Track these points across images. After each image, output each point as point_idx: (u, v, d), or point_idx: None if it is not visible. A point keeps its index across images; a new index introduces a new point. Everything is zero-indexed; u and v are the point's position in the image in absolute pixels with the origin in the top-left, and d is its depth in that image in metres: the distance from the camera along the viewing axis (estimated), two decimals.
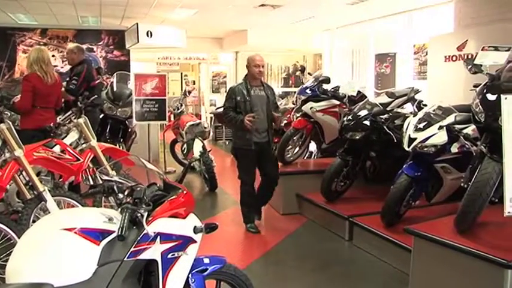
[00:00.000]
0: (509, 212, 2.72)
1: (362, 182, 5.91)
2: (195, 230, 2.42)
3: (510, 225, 3.93)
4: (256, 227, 5.55)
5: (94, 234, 2.09)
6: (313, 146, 7.44)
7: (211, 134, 13.13)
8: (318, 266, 4.57)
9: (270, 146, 5.49)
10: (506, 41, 6.58)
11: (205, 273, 2.52)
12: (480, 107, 3.75)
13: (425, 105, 5.17)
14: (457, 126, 4.30)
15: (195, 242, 2.43)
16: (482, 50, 3.97)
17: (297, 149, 6.76)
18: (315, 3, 9.04)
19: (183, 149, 8.11)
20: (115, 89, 8.08)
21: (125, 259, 2.12)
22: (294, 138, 6.59)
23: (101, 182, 2.43)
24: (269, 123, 5.38)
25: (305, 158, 7.39)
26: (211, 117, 13.71)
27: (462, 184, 3.94)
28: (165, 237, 2.28)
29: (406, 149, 4.49)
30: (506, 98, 2.70)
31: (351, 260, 4.81)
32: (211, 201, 7.14)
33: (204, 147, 7.56)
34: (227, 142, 13.03)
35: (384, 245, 4.62)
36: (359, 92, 6.65)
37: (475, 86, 4.03)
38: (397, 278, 4.25)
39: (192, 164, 7.85)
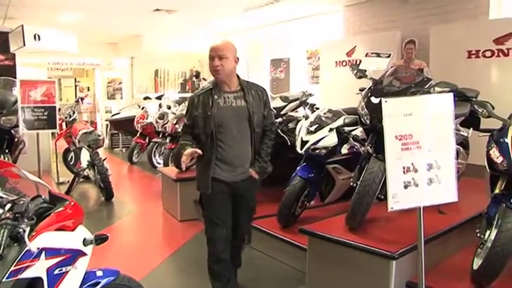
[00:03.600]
0: (392, 208, 2.88)
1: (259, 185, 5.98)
2: (85, 242, 2.31)
3: (395, 220, 4.20)
4: None
5: None
6: None
7: (106, 141, 12.71)
8: None
9: (251, 188, 3.65)
10: (388, 47, 7.08)
11: (98, 286, 2.42)
12: (365, 109, 3.98)
13: (318, 108, 5.38)
14: (346, 128, 4.51)
15: (85, 254, 2.31)
16: (366, 56, 4.22)
17: None
18: (209, 9, 9.09)
19: (69, 158, 7.77)
20: None
21: (3, 280, 1.96)
22: None
23: None
24: (253, 150, 3.54)
25: None
26: (106, 125, 13.26)
27: (351, 183, 4.15)
28: (50, 252, 2.13)
29: (299, 151, 4.63)
30: (386, 101, 2.86)
31: (250, 263, 4.83)
32: (107, 211, 6.88)
33: (92, 156, 7.22)
34: (124, 150, 12.68)
35: (281, 246, 4.71)
36: None
37: (361, 90, 4.27)
38: (295, 277, 4.35)
39: (86, 173, 7.54)
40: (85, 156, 7.22)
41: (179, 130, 8.00)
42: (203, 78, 9.57)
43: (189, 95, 9.84)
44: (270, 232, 4.86)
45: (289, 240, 4.58)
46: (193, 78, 13.18)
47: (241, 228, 3.84)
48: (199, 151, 3.34)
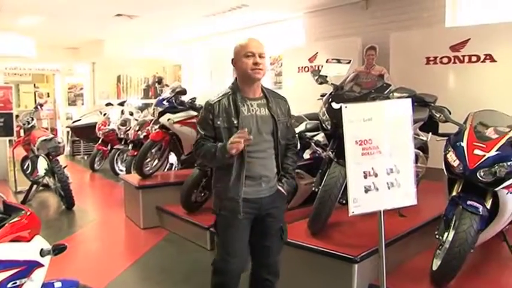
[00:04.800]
0: (353, 212, 2.92)
1: None
2: (42, 253, 2.25)
3: (357, 224, 4.26)
4: None
5: None
6: (173, 158, 7.38)
7: (67, 149, 12.47)
8: (181, 279, 4.51)
9: (280, 205, 3.13)
10: (349, 53, 7.19)
11: None
12: (326, 115, 4.03)
13: None
14: (308, 134, 4.55)
15: (42, 266, 2.25)
16: (326, 62, 4.27)
17: (156, 161, 6.64)
18: (172, 15, 9.03)
19: (25, 167, 7.56)
20: None
21: None
22: (153, 150, 6.47)
23: None
24: (278, 165, 3.08)
25: (165, 170, 7.32)
26: (67, 132, 12.98)
27: (313, 188, 4.19)
28: (4, 264, 2.06)
29: None
30: (346, 107, 2.90)
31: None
32: (68, 220, 6.71)
33: (51, 164, 7.03)
34: (85, 157, 12.45)
35: None
36: None
37: (322, 96, 4.32)
38: None
39: (45, 182, 7.36)
40: (42, 164, 7.03)
41: (141, 137, 7.96)
42: (166, 85, 9.47)
43: (152, 101, 9.79)
44: None
45: None
46: (156, 85, 13.06)
47: (273, 258, 3.14)
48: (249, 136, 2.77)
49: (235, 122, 2.89)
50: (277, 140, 3.01)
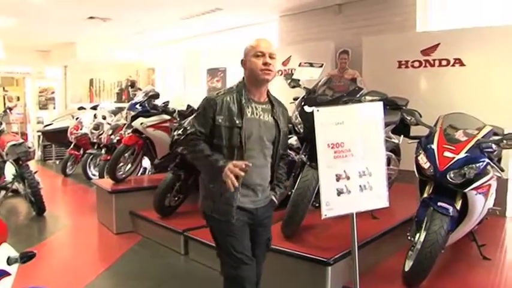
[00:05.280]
0: (325, 215, 2.94)
1: (196, 195, 5.93)
2: (9, 261, 2.19)
3: (331, 227, 4.28)
4: None
5: None
6: (147, 162, 7.32)
7: (38, 153, 12.26)
8: (155, 284, 4.45)
9: (271, 215, 3.02)
10: (323, 57, 7.25)
11: None
12: (299, 118, 4.05)
13: None
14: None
15: (9, 274, 2.20)
16: (299, 65, 4.29)
17: (129, 165, 6.56)
18: (145, 18, 8.98)
19: None
20: None
21: None
22: (126, 155, 6.39)
23: None
24: (273, 173, 2.94)
25: (139, 174, 7.25)
26: (38, 136, 12.76)
27: (287, 192, 4.20)
28: None
29: None
30: (318, 110, 2.92)
31: (187, 274, 4.79)
32: (38, 227, 6.57)
33: (21, 169, 6.86)
34: (57, 162, 12.25)
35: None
36: (189, 106, 6.71)
37: (295, 99, 4.34)
38: None
39: (15, 187, 7.20)
40: (10, 170, 6.86)
41: (114, 141, 7.86)
42: (139, 88, 9.41)
43: (125, 105, 9.71)
44: (207, 242, 4.80)
45: None
46: (129, 88, 12.95)
47: (259, 268, 3.03)
48: (249, 163, 2.62)
49: (238, 122, 2.71)
50: (277, 148, 2.87)
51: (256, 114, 2.78)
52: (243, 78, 2.87)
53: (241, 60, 2.86)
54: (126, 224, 5.96)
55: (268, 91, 2.89)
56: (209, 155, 2.71)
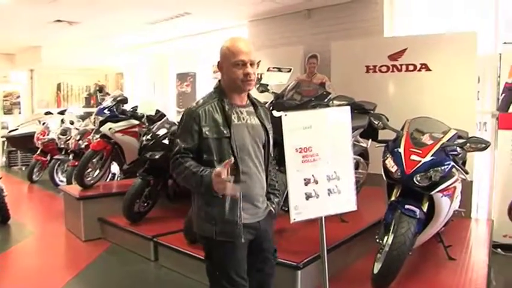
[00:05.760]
0: (294, 219, 2.95)
1: (165, 201, 5.90)
2: None
3: (300, 230, 4.31)
4: None
5: None
6: (115, 168, 7.23)
7: (3, 159, 12.03)
8: None
9: (272, 227, 2.84)
10: (292, 61, 7.29)
11: None
12: None
13: None
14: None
15: None
16: (268, 70, 4.31)
17: (98, 171, 6.46)
18: (114, 21, 8.87)
19: None
20: None
21: None
22: (94, 160, 6.30)
23: None
24: (267, 179, 2.72)
25: (107, 180, 7.15)
26: (3, 142, 12.48)
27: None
28: None
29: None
30: (286, 115, 2.93)
31: (157, 281, 4.74)
32: (2, 235, 6.39)
33: None
34: (23, 168, 11.99)
35: (188, 262, 4.63)
36: (158, 111, 6.67)
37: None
38: None
39: None
40: None
41: (82, 146, 7.75)
42: (107, 93, 9.29)
43: (94, 109, 9.60)
44: (177, 248, 4.78)
45: (196, 255, 4.53)
46: (97, 93, 12.79)
47: (271, 283, 2.86)
48: (231, 159, 2.40)
49: (226, 132, 2.50)
50: (269, 151, 2.69)
51: (243, 119, 2.59)
52: (219, 81, 2.67)
53: (218, 63, 2.64)
54: (95, 230, 5.87)
55: (248, 93, 2.73)
56: (196, 171, 2.45)
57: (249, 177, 2.54)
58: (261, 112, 2.69)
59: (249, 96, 2.72)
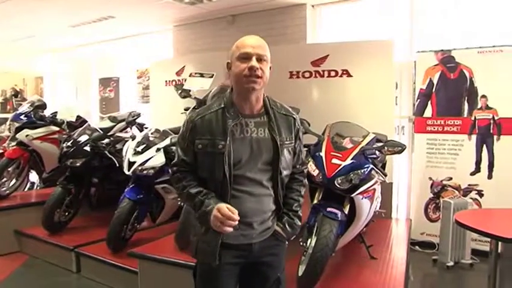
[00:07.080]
0: None
1: (87, 209, 5.72)
2: None
3: None
4: None
5: None
6: (34, 176, 6.91)
7: None
8: None
9: (277, 252, 2.41)
10: (217, 67, 7.26)
11: None
12: None
13: (147, 128, 5.33)
14: (174, 148, 4.52)
15: None
16: (190, 76, 4.27)
17: (14, 180, 6.14)
18: (34, 23, 8.50)
19: None
20: None
21: None
22: (10, 169, 5.99)
23: None
24: (277, 200, 2.35)
25: (26, 189, 6.82)
26: None
27: (179, 203, 4.16)
28: None
29: (127, 172, 4.53)
30: None
31: None
32: None
33: None
34: None
35: (112, 272, 4.53)
36: (79, 117, 6.46)
37: (186, 110, 4.32)
38: None
39: None
40: None
41: None
42: (24, 98, 8.87)
43: (9, 115, 9.11)
44: (100, 258, 4.64)
45: (120, 264, 4.44)
46: (13, 98, 12.17)
47: None
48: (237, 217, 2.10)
49: (220, 146, 2.17)
50: (278, 170, 2.28)
51: (247, 132, 2.24)
52: (231, 89, 2.34)
53: (227, 63, 2.34)
54: (10, 244, 5.60)
55: (266, 99, 2.35)
56: (196, 193, 2.22)
57: (243, 195, 2.24)
58: (276, 123, 2.29)
59: (265, 103, 2.34)
